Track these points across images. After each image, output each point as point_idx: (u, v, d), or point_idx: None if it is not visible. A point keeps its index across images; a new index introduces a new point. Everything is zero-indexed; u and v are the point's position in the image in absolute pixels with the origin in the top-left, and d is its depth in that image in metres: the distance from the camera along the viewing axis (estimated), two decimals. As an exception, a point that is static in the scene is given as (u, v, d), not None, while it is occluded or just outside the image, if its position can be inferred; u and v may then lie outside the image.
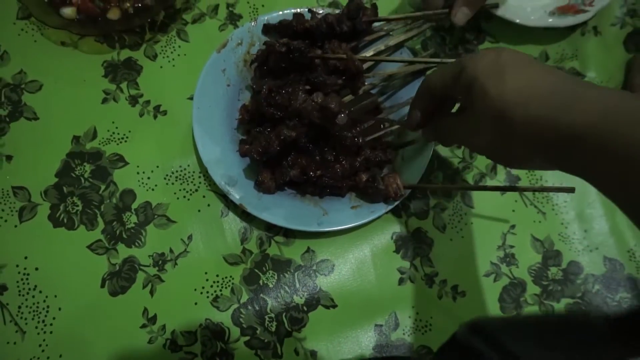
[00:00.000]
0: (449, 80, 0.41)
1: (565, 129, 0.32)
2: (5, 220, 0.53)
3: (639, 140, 0.28)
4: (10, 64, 0.59)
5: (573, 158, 0.33)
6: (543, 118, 0.33)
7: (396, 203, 0.52)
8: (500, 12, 0.63)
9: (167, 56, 0.61)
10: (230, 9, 0.64)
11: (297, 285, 0.53)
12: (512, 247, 0.56)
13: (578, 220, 0.58)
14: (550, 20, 0.64)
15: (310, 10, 0.57)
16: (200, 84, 0.55)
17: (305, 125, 0.50)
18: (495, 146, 0.38)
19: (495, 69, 0.36)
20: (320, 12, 0.57)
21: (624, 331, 0.33)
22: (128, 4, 0.60)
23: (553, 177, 0.59)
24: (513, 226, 0.57)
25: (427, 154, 0.54)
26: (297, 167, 0.51)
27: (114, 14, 0.59)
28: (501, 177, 0.59)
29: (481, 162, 0.60)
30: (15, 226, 0.53)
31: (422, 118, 0.47)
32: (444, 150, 0.59)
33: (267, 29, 0.57)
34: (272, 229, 0.54)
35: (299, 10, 0.58)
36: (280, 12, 0.58)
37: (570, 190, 0.48)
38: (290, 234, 0.54)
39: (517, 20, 0.63)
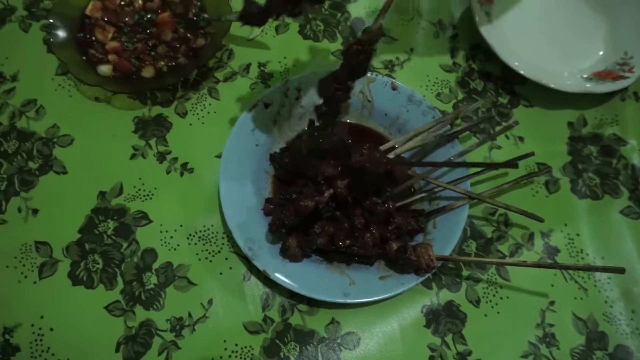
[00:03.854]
0: None
1: None
2: (25, 276, 0.52)
3: None
4: (45, 118, 0.60)
5: None
6: None
7: (427, 275, 0.50)
8: (535, 76, 0.62)
9: (197, 113, 0.61)
10: (262, 68, 0.64)
11: (320, 359, 0.49)
12: (551, 325, 0.52)
13: (624, 299, 0.53)
14: (588, 86, 0.62)
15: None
16: (229, 144, 0.54)
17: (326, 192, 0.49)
18: None
19: None
20: None
21: None
22: (162, 63, 0.61)
23: (594, 251, 0.56)
24: (552, 302, 0.53)
25: (460, 223, 0.52)
26: (324, 235, 0.50)
27: (148, 72, 0.60)
28: (539, 248, 0.56)
29: (516, 231, 0.57)
30: (35, 282, 0.51)
31: None
32: (477, 218, 0.57)
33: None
34: (296, 296, 0.52)
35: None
36: (313, 72, 0.58)
37: (620, 270, 0.44)
38: (314, 303, 0.52)
39: (552, 86, 0.61)
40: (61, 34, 0.60)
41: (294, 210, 0.48)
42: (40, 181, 0.56)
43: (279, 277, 0.49)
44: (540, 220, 0.54)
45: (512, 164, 0.53)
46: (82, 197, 0.56)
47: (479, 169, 0.55)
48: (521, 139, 0.62)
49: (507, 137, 0.62)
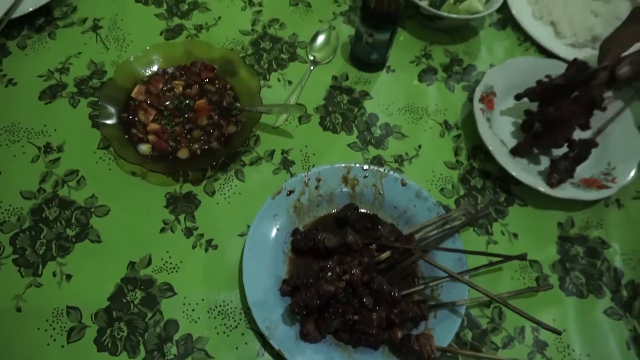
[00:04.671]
0: None
1: None
2: (55, 340, 0.55)
3: None
4: (85, 188, 0.65)
5: None
6: None
7: (428, 364, 0.54)
8: (528, 180, 0.69)
9: (224, 193, 0.67)
10: (285, 155, 0.71)
11: None
12: (540, 418, 0.56)
13: (606, 397, 0.58)
14: (575, 192, 0.69)
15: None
16: (254, 228, 0.60)
17: (343, 280, 0.55)
18: None
19: None
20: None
21: None
22: (197, 146, 0.67)
23: (580, 348, 0.61)
24: (541, 395, 0.57)
25: (459, 317, 0.57)
26: (339, 317, 0.55)
27: (183, 154, 0.67)
28: (529, 341, 0.61)
29: (509, 324, 0.62)
30: (62, 346, 0.55)
31: None
32: (474, 310, 0.62)
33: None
34: (305, 375, 0.56)
35: (347, 166, 0.65)
36: (331, 166, 0.65)
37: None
38: (321, 382, 0.56)
39: (542, 190, 0.68)
40: (107, 112, 0.67)
41: (316, 293, 0.54)
42: (75, 248, 0.61)
43: (293, 357, 0.53)
44: (558, 333, 0.53)
45: (521, 256, 0.58)
46: (113, 266, 0.60)
47: (477, 266, 0.61)
48: (515, 235, 0.69)
49: (503, 234, 0.68)
